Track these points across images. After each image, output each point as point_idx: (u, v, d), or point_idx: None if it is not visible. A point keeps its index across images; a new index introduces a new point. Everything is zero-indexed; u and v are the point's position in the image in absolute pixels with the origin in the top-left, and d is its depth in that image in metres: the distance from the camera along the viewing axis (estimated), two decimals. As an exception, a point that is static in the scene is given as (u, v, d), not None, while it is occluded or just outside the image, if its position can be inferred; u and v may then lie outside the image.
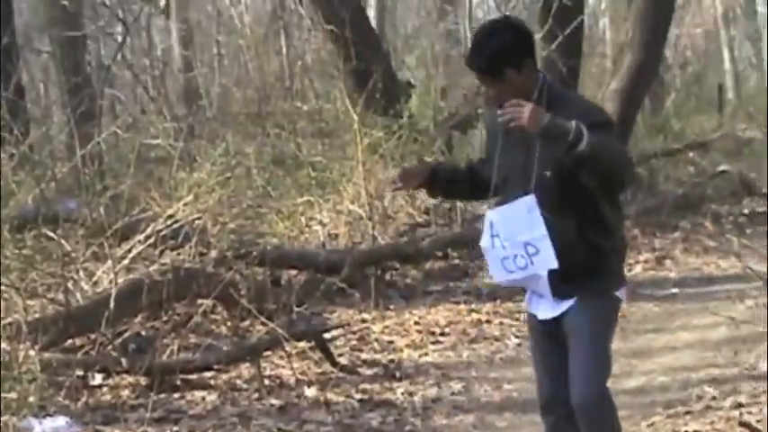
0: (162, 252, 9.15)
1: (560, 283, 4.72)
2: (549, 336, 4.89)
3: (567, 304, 4.79)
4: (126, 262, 8.92)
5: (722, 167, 14.81)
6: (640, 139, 15.53)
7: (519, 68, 4.69)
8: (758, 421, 6.29)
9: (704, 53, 26.00)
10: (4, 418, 6.45)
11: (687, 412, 6.86)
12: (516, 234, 4.77)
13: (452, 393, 7.71)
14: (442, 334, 9.12)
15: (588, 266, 4.75)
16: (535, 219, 4.70)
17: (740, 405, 6.78)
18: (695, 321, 9.19)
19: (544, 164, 4.66)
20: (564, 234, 4.67)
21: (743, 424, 6.18)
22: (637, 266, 11.22)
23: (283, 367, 8.18)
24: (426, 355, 8.62)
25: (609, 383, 4.69)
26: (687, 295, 10.23)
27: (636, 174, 4.88)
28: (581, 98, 5.06)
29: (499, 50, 4.68)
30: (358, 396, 7.60)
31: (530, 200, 4.72)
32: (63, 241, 8.74)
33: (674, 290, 10.44)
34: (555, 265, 4.68)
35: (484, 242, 4.96)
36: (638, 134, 15.19)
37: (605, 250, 4.80)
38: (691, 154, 15.73)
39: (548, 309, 4.84)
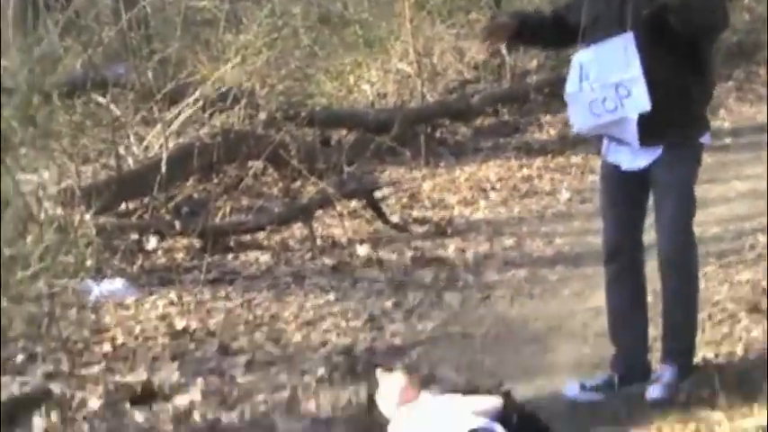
0: (211, 115, 9.17)
1: (649, 128, 4.64)
2: (625, 185, 4.85)
3: (652, 154, 4.73)
4: (176, 126, 8.96)
5: (778, 12, 14.49)
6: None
7: None
8: (811, 269, 6.27)
9: None
10: (62, 282, 6.54)
11: (740, 261, 6.85)
12: (609, 74, 4.65)
13: (504, 249, 7.73)
14: (493, 190, 9.12)
15: (678, 111, 4.67)
16: (631, 57, 4.59)
17: (793, 253, 6.76)
18: (748, 171, 9.12)
19: (641, 3, 4.57)
20: (658, 75, 4.58)
21: (795, 272, 6.17)
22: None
23: (335, 226, 8.23)
24: (477, 211, 8.63)
25: None
26: (741, 145, 10.13)
27: (728, 16, 4.59)
28: None
29: None
30: (410, 253, 7.63)
31: (628, 37, 4.61)
32: (112, 106, 8.77)
33: (728, 140, 10.33)
34: (648, 107, 4.58)
35: (570, 87, 4.80)
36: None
37: (696, 95, 4.72)
38: (746, 0, 15.41)
39: (632, 158, 4.78)
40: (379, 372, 4.81)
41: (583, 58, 4.78)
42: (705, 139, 4.88)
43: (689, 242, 4.84)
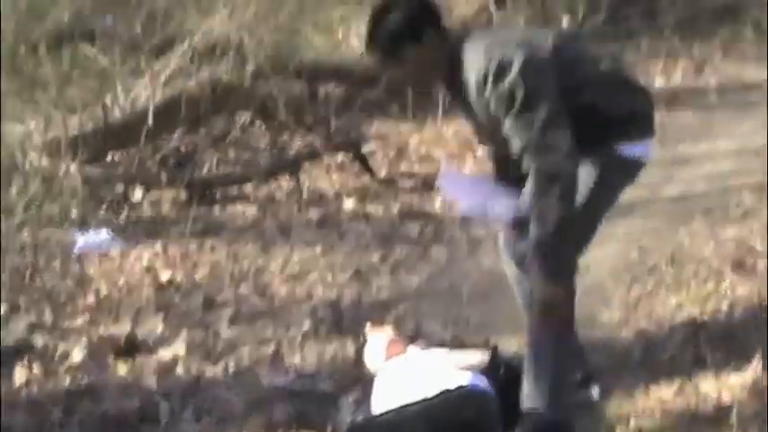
0: (199, 67, 9.10)
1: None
2: None
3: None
4: (163, 77, 8.89)
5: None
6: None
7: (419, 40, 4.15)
8: (797, 227, 6.27)
9: None
10: (47, 231, 6.53)
11: (725, 219, 6.85)
12: None
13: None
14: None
15: None
16: None
17: (779, 211, 6.76)
18: (734, 129, 9.11)
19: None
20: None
21: (781, 229, 6.17)
22: (676, 75, 11.07)
23: (322, 179, 8.21)
24: (465, 167, 8.61)
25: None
26: (726, 103, 10.10)
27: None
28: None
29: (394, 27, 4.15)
30: (397, 207, 7.62)
31: None
32: (100, 57, 8.72)
33: (713, 98, 10.31)
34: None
35: None
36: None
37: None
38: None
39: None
40: (367, 326, 4.81)
41: None
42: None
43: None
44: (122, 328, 5.68)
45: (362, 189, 8.04)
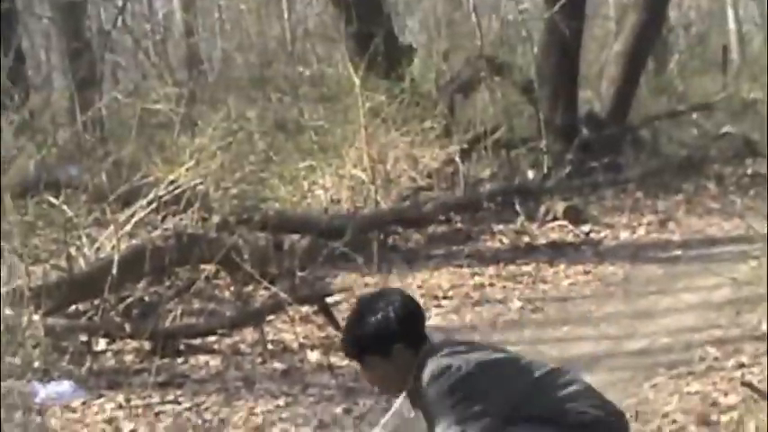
0: (164, 217, 9.14)
1: None
2: None
3: None
4: (128, 227, 8.92)
5: (726, 129, 14.74)
6: (644, 101, 15.49)
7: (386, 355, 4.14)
8: (760, 381, 6.29)
9: (708, 13, 25.86)
10: (7, 383, 6.47)
11: (690, 373, 6.87)
12: None
13: (455, 356, 7.70)
14: (445, 297, 9.13)
15: None
16: None
17: (742, 365, 6.78)
18: (698, 283, 9.19)
19: None
20: None
21: (745, 384, 6.17)
22: (640, 229, 11.21)
23: (287, 331, 8.20)
24: (429, 318, 8.63)
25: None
26: (690, 257, 10.22)
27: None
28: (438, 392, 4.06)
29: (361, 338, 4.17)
30: (361, 360, 7.59)
31: None
32: (65, 207, 8.75)
33: (677, 252, 10.43)
34: None
35: None
36: (641, 96, 15.15)
37: None
38: (694, 115, 15.67)
39: None
40: None
41: None
42: None
43: None
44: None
45: (327, 341, 8.03)
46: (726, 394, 6.26)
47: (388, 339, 4.10)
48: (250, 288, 9.07)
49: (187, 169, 9.54)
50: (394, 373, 4.14)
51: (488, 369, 4.06)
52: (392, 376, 4.17)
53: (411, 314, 4.19)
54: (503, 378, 4.09)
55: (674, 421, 5.98)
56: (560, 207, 11.36)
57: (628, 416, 4.40)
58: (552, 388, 4.20)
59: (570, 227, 11.12)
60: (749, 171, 13.17)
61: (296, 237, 10.27)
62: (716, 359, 7.06)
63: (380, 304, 4.16)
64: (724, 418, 5.85)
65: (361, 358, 4.19)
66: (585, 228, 11.18)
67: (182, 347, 7.89)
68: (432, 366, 4.02)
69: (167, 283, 8.83)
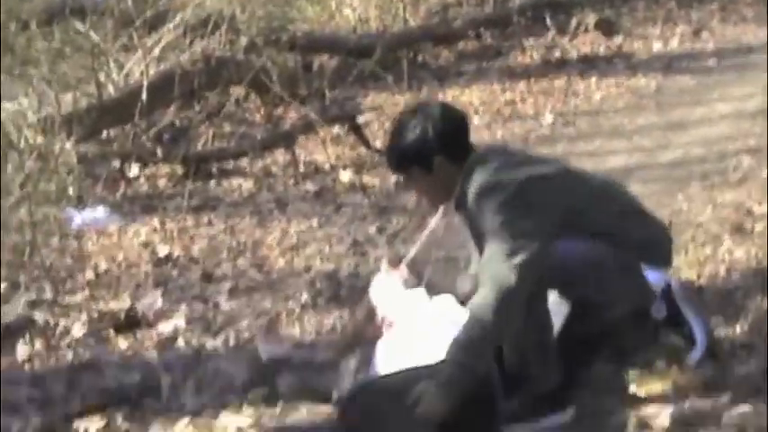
0: (192, 41, 9.08)
1: None
2: None
3: None
4: (156, 52, 8.88)
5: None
6: None
7: (428, 168, 4.14)
8: (795, 188, 6.27)
9: None
10: (44, 210, 6.53)
11: (723, 183, 6.84)
12: None
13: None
14: (476, 114, 9.07)
15: None
16: None
17: (777, 173, 6.75)
18: (732, 92, 9.09)
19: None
20: None
21: (779, 192, 6.17)
22: (673, 39, 11.04)
23: (318, 152, 8.20)
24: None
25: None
26: (724, 66, 10.08)
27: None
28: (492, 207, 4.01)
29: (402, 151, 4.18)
30: (393, 178, 7.60)
31: None
32: (92, 33, 8.69)
33: (711, 62, 10.29)
34: None
35: None
36: None
37: None
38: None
39: None
40: (383, 263, 4.68)
41: None
42: None
43: None
44: (122, 303, 5.68)
45: (358, 160, 8.04)
46: (760, 203, 6.23)
47: (429, 152, 4.10)
48: (280, 110, 9.05)
49: (213, -9, 9.44)
50: (436, 185, 4.17)
51: (539, 183, 4.04)
52: (435, 189, 4.20)
53: (452, 127, 4.18)
54: (554, 192, 4.07)
55: (708, 231, 5.98)
56: (592, 19, 11.18)
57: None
58: (605, 202, 4.19)
59: (602, 39, 10.97)
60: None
61: (325, 57, 10.21)
62: (750, 168, 7.02)
63: (421, 117, 4.16)
64: (758, 227, 5.84)
65: (404, 171, 4.23)
66: (617, 40, 11.02)
67: (214, 171, 7.93)
68: (480, 180, 4.01)
69: (197, 107, 8.82)
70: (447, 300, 4.38)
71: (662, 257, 4.28)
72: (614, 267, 4.09)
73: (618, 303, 4.18)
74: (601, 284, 4.06)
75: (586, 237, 4.03)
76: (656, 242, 4.24)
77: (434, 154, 4.10)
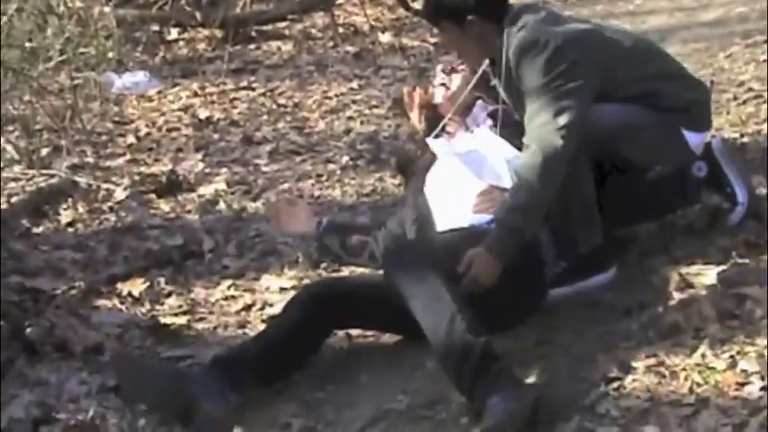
0: None
1: None
2: None
3: None
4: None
5: None
6: None
7: (461, 25, 4.03)
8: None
9: None
10: (84, 74, 6.54)
11: (765, 41, 6.74)
12: None
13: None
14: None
15: None
16: None
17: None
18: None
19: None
20: None
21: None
22: None
23: (357, 14, 8.16)
24: None
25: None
26: None
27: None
28: (536, 64, 3.92)
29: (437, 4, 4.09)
30: (432, 40, 7.56)
31: None
32: None
33: None
34: None
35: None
36: None
37: None
38: None
39: None
40: (439, 71, 4.59)
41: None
42: None
43: None
44: (163, 167, 5.72)
45: (398, 22, 7.99)
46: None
47: (463, 9, 4.03)
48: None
49: None
50: (470, 43, 4.08)
51: (578, 42, 3.99)
52: (468, 47, 4.11)
53: None
54: (594, 51, 4.03)
55: (750, 89, 5.92)
56: None
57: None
58: (643, 63, 4.14)
59: None
60: None
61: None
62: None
63: None
64: (801, 84, 5.79)
65: (438, 24, 4.16)
66: None
67: (253, 34, 7.90)
68: (519, 39, 3.93)
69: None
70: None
71: (702, 120, 4.25)
72: (654, 129, 4.06)
73: (658, 164, 4.17)
74: (641, 145, 4.04)
75: (625, 98, 4.01)
76: (695, 104, 4.21)
77: (468, 12, 4.03)
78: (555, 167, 3.79)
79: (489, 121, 4.18)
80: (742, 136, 5.29)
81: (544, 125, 3.81)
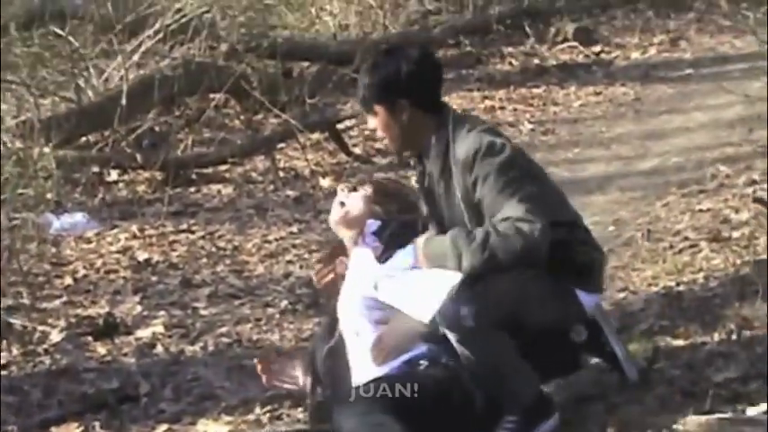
0: (172, 47, 9.08)
1: None
2: None
3: None
4: (136, 58, 8.87)
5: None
6: None
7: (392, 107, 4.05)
8: (771, 197, 6.29)
9: None
10: (22, 215, 6.50)
11: (701, 191, 6.87)
12: None
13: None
14: (456, 121, 9.08)
15: None
16: None
17: (754, 182, 6.77)
18: (709, 101, 9.14)
19: None
20: None
21: (756, 200, 6.18)
22: (651, 48, 11.10)
23: (298, 159, 8.21)
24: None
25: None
26: (701, 75, 10.14)
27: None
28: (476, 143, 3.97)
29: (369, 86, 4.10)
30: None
31: None
32: (71, 38, 8.67)
33: (689, 71, 10.34)
34: None
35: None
36: None
37: None
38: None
39: None
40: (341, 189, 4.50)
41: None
42: None
43: None
44: (100, 309, 5.67)
45: (338, 167, 8.05)
46: (737, 211, 6.27)
47: (396, 92, 4.03)
48: (260, 116, 9.05)
49: (193, -3, 9.42)
50: (399, 129, 4.07)
51: (526, 156, 4.07)
52: (397, 132, 4.08)
53: (424, 72, 4.09)
54: (539, 168, 4.10)
55: (686, 238, 6.00)
56: (570, 28, 11.23)
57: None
58: (562, 205, 4.19)
59: (580, 48, 11.01)
60: (762, -13, 12.94)
61: (305, 64, 10.21)
62: (727, 176, 7.05)
63: (396, 56, 4.08)
64: (735, 234, 5.87)
65: (371, 109, 4.10)
66: (596, 48, 11.07)
67: (194, 177, 7.92)
68: (473, 141, 3.94)
69: (177, 113, 8.81)
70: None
71: (597, 281, 4.23)
72: (549, 288, 4.02)
73: (551, 323, 4.08)
74: (536, 308, 3.99)
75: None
76: (595, 264, 4.20)
77: (401, 96, 4.03)
78: (527, 253, 3.83)
79: (375, 241, 4.16)
80: (678, 285, 5.35)
81: (523, 220, 3.83)
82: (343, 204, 4.21)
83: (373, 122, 4.16)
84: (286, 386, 4.29)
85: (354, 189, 4.23)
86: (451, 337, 3.87)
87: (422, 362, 3.91)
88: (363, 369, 3.98)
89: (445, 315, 3.82)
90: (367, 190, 4.20)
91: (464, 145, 3.96)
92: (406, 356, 3.93)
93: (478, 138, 3.96)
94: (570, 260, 4.05)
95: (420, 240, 3.98)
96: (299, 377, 4.25)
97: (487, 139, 3.97)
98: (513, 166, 3.92)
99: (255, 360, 4.34)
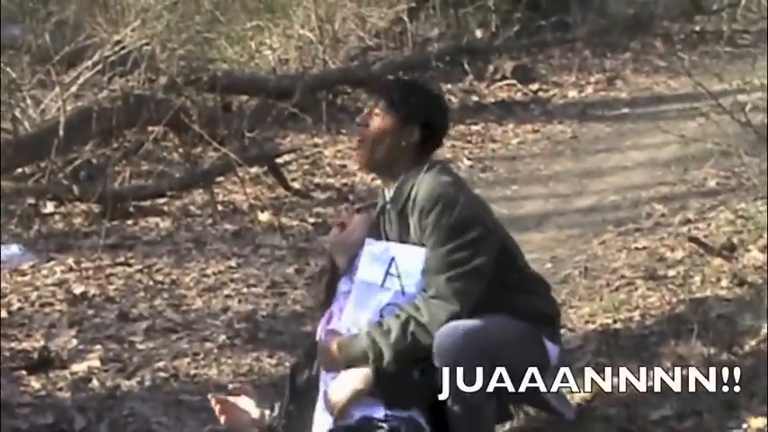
0: (110, 79, 9.02)
1: None
2: None
3: None
4: (74, 89, 8.79)
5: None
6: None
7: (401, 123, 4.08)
8: (706, 236, 6.37)
9: None
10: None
11: (637, 229, 6.94)
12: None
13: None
14: (395, 157, 9.11)
15: None
16: None
17: (689, 221, 6.86)
18: (645, 140, 9.24)
19: None
20: None
21: (692, 239, 6.27)
22: (588, 87, 11.22)
23: (236, 192, 8.19)
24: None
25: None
26: (637, 115, 10.26)
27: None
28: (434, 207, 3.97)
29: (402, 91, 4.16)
30: (312, 220, 7.63)
31: None
32: (8, 69, 8.60)
33: (625, 110, 10.46)
34: None
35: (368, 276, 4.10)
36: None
37: None
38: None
39: None
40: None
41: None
42: None
43: None
44: (35, 343, 5.61)
45: (277, 201, 8.04)
46: (672, 249, 6.33)
47: (421, 116, 4.08)
48: (199, 149, 9.01)
49: (132, 29, 9.38)
50: (388, 147, 4.07)
51: (488, 215, 4.08)
52: (384, 148, 4.08)
53: (443, 121, 4.23)
54: (499, 229, 4.11)
55: (623, 276, 6.05)
56: (508, 66, 11.33)
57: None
58: (522, 258, 4.22)
59: (518, 86, 11.11)
60: (696, 28, 13.13)
61: (244, 97, 10.20)
62: (663, 215, 7.13)
63: (433, 89, 4.37)
64: (671, 273, 5.93)
65: (387, 107, 4.09)
66: (534, 86, 11.17)
67: (131, 209, 7.86)
68: (436, 189, 3.95)
69: (115, 145, 8.74)
70: None
71: (558, 332, 4.26)
72: (525, 338, 4.05)
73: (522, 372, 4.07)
74: (508, 359, 3.97)
75: (509, 286, 4.04)
76: (556, 316, 4.24)
77: (421, 123, 4.08)
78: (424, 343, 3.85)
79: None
80: (615, 322, 5.39)
81: (437, 306, 3.86)
82: (343, 226, 4.22)
83: (368, 121, 4.13)
84: (239, 425, 4.25)
85: (358, 211, 4.25)
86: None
87: (381, 424, 3.86)
88: (323, 419, 3.98)
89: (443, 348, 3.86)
90: (371, 214, 4.21)
91: (428, 190, 3.97)
92: (363, 412, 3.90)
93: (443, 188, 3.97)
94: (539, 310, 4.09)
95: (333, 346, 3.98)
96: (252, 411, 4.22)
97: (451, 192, 3.98)
98: (465, 231, 3.92)
99: (210, 396, 4.32)
